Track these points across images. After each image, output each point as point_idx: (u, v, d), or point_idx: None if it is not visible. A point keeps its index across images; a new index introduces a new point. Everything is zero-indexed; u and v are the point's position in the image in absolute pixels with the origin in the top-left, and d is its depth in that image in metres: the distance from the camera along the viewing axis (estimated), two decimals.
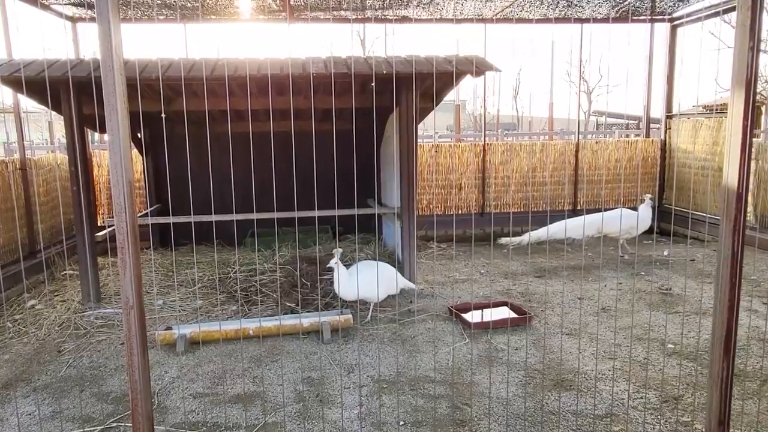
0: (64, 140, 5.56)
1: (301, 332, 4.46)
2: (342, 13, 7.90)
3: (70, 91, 4.97)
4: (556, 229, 6.48)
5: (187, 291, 5.63)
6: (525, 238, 6.54)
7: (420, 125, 6.25)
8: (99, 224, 7.36)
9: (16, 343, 4.48)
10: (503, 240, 6.63)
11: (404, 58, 5.17)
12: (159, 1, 7.14)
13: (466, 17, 8.11)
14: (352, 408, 3.33)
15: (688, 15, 8.16)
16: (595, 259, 6.92)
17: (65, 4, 7.09)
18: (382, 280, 4.61)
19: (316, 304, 5.05)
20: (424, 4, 7.39)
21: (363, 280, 4.46)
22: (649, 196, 6.91)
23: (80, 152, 5.24)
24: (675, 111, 8.74)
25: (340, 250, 4.68)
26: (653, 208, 6.99)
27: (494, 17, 8.13)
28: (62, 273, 6.29)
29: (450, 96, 6.54)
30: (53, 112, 5.40)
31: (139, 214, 7.05)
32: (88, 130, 7.21)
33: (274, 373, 3.82)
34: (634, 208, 7.18)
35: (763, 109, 12.21)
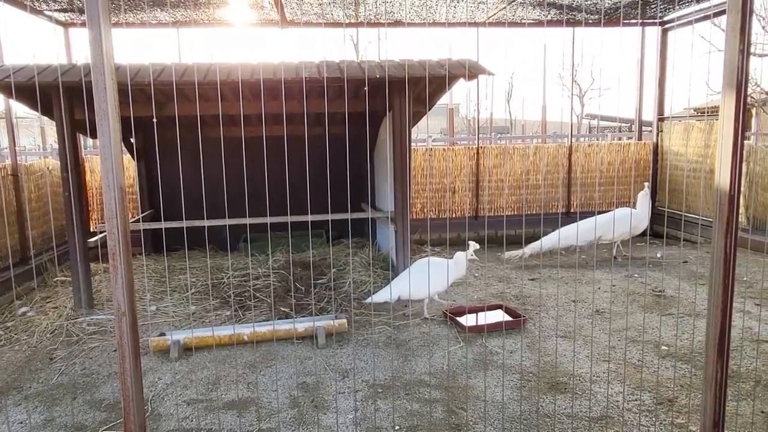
0: (56, 145, 5.52)
1: (296, 337, 4.44)
2: (335, 16, 7.91)
3: (61, 97, 4.95)
4: (555, 239, 6.47)
5: (180, 296, 5.59)
6: (525, 251, 6.55)
7: (413, 129, 6.26)
8: (91, 230, 7.33)
9: (7, 350, 4.44)
10: (505, 255, 6.66)
11: (397, 62, 5.17)
12: (150, 2, 7.11)
13: (458, 21, 8.13)
14: (348, 413, 3.31)
15: (679, 18, 8.23)
16: (589, 262, 6.94)
17: (56, 10, 7.06)
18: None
19: (311, 308, 5.04)
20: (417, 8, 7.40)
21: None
22: (648, 184, 6.91)
23: (72, 157, 5.21)
24: (666, 114, 8.80)
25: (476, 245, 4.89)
26: (652, 196, 6.97)
27: (487, 21, 8.16)
28: (54, 279, 6.24)
29: (443, 100, 6.55)
30: (45, 118, 5.37)
31: (132, 220, 7.01)
32: (80, 135, 7.18)
33: (268, 379, 3.80)
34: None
35: (753, 111, 12.30)
